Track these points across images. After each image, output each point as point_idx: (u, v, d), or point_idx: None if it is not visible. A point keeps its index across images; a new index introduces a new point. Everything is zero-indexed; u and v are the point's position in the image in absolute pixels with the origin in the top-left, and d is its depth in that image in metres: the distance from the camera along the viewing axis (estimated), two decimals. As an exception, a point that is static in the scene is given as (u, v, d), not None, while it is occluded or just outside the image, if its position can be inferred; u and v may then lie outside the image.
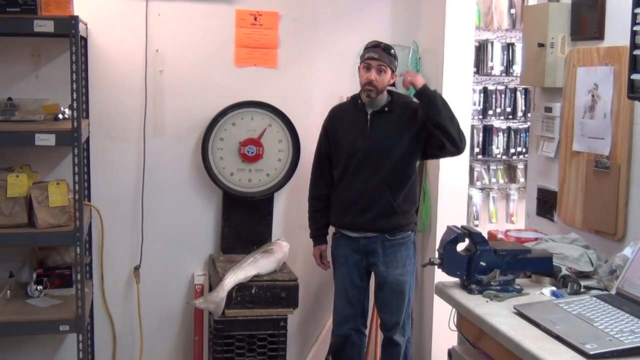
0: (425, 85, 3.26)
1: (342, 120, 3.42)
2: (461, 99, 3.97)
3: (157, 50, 3.80)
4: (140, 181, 3.87)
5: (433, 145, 3.27)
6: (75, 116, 3.13)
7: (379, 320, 3.59)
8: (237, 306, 3.49)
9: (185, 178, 3.95)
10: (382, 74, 3.28)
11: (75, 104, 3.11)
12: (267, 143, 3.88)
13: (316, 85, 3.99)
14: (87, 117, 3.73)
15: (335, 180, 3.44)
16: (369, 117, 3.35)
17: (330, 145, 3.45)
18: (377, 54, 3.27)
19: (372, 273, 3.48)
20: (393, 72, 3.33)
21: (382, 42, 3.35)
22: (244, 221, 3.95)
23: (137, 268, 3.91)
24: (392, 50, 3.34)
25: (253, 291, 3.50)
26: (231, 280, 3.43)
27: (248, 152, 3.88)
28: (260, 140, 3.87)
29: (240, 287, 3.49)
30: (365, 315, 3.58)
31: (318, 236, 3.52)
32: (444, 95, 3.85)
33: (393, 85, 3.42)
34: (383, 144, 3.30)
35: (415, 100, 3.37)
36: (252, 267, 3.52)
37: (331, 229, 3.57)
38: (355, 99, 3.42)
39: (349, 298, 3.46)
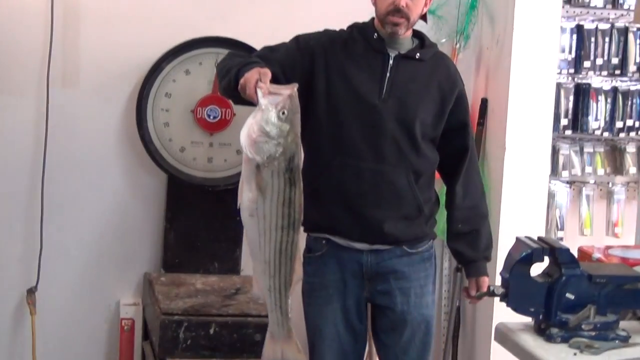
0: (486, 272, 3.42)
1: (349, 57, 3.37)
2: (542, 42, 3.97)
3: (70, -45, 3.84)
4: (40, 158, 3.89)
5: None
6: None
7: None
8: (186, 353, 3.50)
9: (110, 154, 3.98)
10: None
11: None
12: (239, 103, 3.88)
13: (314, 14, 3.98)
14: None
15: (316, 153, 3.36)
16: (391, 62, 3.32)
17: (313, 78, 3.34)
18: None
19: (375, 308, 3.46)
20: None
21: None
22: (199, 223, 3.98)
23: (31, 291, 3.92)
24: None
25: (212, 331, 3.52)
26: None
27: (208, 116, 3.90)
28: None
29: (192, 325, 3.50)
30: None
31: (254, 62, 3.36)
32: (516, 39, 3.87)
33: (424, 17, 3.40)
34: (409, 105, 3.28)
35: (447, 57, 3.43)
36: None
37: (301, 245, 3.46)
38: (365, 30, 3.37)
39: (344, 350, 3.43)
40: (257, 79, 2.93)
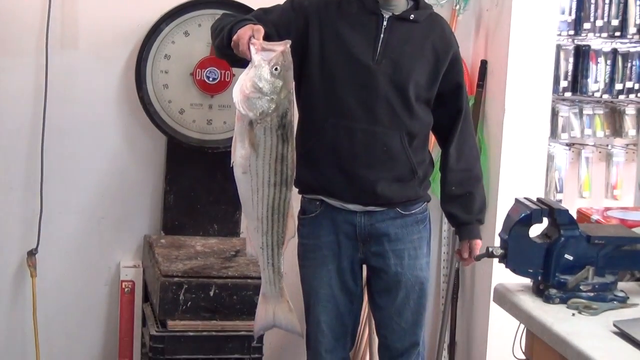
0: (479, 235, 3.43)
1: (343, 18, 3.36)
2: (542, 3, 3.96)
3: None
4: (40, 120, 3.88)
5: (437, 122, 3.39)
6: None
7: (378, 344, 3.58)
8: (186, 315, 3.51)
9: (109, 116, 3.98)
10: None
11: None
12: (239, 65, 3.88)
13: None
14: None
15: (309, 114, 3.37)
16: (385, 23, 3.32)
17: (308, 39, 3.33)
18: None
19: (369, 270, 3.46)
20: None
21: None
22: (199, 185, 3.99)
23: (32, 253, 3.93)
24: None
25: (212, 293, 3.52)
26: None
27: (208, 77, 3.90)
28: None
29: (192, 287, 3.51)
30: (354, 339, 3.60)
31: (247, 20, 3.23)
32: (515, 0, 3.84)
33: None
34: (403, 67, 3.28)
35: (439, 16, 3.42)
36: None
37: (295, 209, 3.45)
38: None
39: (339, 311, 3.45)
40: (250, 35, 2.94)
